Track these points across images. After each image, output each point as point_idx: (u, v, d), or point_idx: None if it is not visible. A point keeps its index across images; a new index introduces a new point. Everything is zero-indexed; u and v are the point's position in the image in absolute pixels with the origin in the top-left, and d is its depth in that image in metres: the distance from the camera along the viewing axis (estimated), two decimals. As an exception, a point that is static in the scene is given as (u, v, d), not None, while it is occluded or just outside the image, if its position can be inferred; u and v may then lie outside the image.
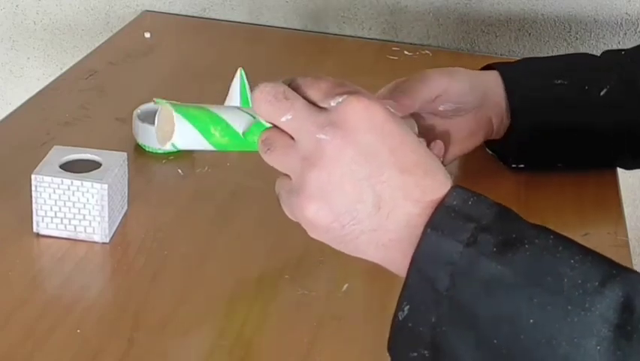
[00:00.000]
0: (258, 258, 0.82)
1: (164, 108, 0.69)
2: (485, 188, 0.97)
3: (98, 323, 0.72)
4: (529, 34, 1.36)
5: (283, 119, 0.61)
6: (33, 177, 0.80)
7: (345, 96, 0.60)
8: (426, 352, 0.59)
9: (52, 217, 0.80)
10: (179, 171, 0.95)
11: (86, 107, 1.06)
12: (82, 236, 0.81)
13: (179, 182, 0.93)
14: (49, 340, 0.70)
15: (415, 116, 0.88)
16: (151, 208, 0.87)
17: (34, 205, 0.81)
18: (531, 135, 0.94)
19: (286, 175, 0.63)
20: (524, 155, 0.96)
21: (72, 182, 0.79)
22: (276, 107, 0.62)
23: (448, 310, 0.57)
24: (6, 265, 0.79)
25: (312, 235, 0.62)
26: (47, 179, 0.80)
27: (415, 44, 1.37)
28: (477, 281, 0.57)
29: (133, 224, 0.84)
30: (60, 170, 0.81)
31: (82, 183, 0.79)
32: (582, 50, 1.34)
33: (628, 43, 1.33)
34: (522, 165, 0.97)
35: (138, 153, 0.96)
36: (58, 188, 0.80)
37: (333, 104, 0.60)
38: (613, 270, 0.56)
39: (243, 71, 0.99)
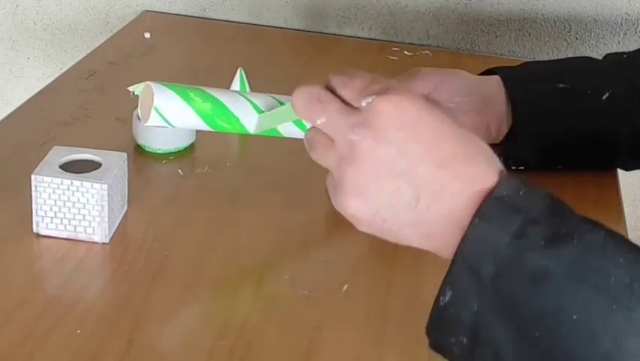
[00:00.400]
0: (258, 258, 0.82)
1: (143, 90, 0.73)
2: (485, 188, 0.97)
3: (98, 323, 0.72)
4: (529, 34, 1.36)
5: (318, 122, 0.64)
6: (33, 177, 0.80)
7: (374, 96, 0.61)
8: (464, 339, 0.59)
9: (52, 217, 0.80)
10: (179, 171, 0.95)
11: (86, 107, 1.06)
12: (82, 236, 0.81)
13: (179, 182, 0.93)
14: (49, 340, 0.70)
15: None
16: (151, 208, 0.87)
17: (34, 205, 0.81)
18: (532, 140, 0.94)
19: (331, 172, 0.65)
20: (525, 158, 0.96)
21: (72, 182, 0.79)
22: (310, 110, 0.64)
23: (491, 299, 0.58)
24: (6, 265, 0.79)
25: (358, 228, 0.64)
26: (47, 179, 0.80)
27: (415, 44, 1.37)
28: (522, 273, 0.57)
29: (133, 224, 0.84)
30: (60, 170, 0.81)
31: (82, 183, 0.79)
32: (582, 50, 1.34)
33: (628, 43, 1.33)
34: (522, 168, 0.97)
35: (138, 153, 0.96)
36: (58, 188, 0.80)
37: (364, 104, 0.62)
38: None
39: (242, 71, 0.99)
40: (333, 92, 0.64)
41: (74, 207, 0.80)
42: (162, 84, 0.73)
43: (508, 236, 0.58)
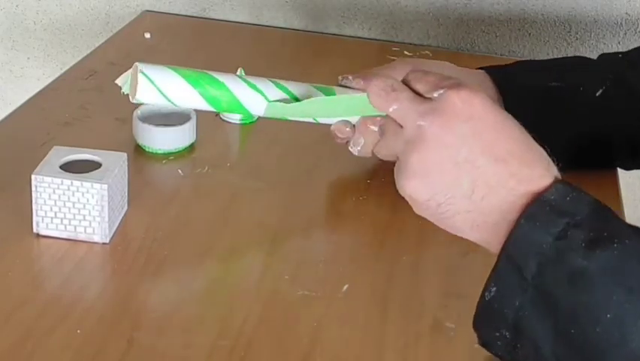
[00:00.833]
0: (258, 258, 0.82)
1: (131, 73, 0.79)
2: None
3: (98, 323, 0.72)
4: (529, 34, 1.36)
5: (391, 109, 0.69)
6: (33, 177, 0.80)
7: (446, 89, 0.66)
8: (507, 333, 0.63)
9: (52, 218, 0.80)
10: (179, 171, 0.95)
11: (86, 107, 1.06)
12: (82, 236, 0.81)
13: (179, 182, 0.93)
14: (49, 340, 0.70)
15: None
16: (151, 208, 0.87)
17: (34, 205, 0.81)
18: None
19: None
20: None
21: (72, 182, 0.79)
22: (384, 98, 0.70)
23: (532, 296, 0.61)
24: (6, 265, 0.79)
25: (415, 210, 0.69)
26: (47, 179, 0.80)
27: (415, 44, 1.37)
28: (562, 273, 0.61)
29: (133, 224, 0.84)
30: (60, 170, 0.81)
31: (82, 184, 0.79)
32: (582, 50, 1.34)
33: (628, 43, 1.33)
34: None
35: (138, 153, 0.96)
36: (58, 188, 0.80)
37: (435, 95, 0.67)
38: None
39: (242, 71, 0.99)
40: (407, 85, 0.70)
41: (74, 208, 0.80)
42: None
43: (551, 237, 0.61)
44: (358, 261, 0.83)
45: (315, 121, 0.89)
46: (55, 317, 0.73)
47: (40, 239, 0.81)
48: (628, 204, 0.99)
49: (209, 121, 1.03)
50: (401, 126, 0.68)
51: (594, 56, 1.03)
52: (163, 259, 0.80)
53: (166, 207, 0.88)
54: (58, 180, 0.79)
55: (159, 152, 0.96)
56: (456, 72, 0.95)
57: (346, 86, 0.88)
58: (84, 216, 0.80)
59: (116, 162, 0.82)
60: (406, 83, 0.70)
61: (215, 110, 0.83)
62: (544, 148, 0.67)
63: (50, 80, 1.17)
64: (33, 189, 0.80)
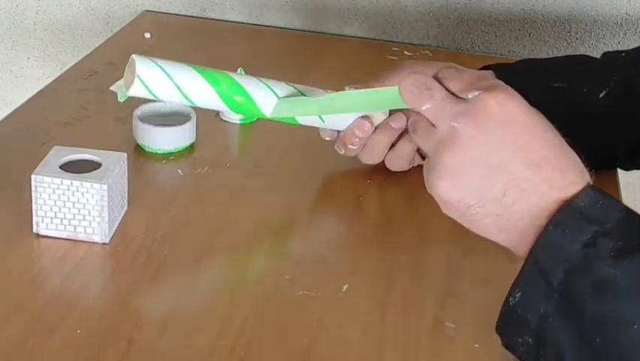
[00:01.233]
0: (258, 258, 0.83)
1: (127, 67, 0.83)
2: (485, 188, 0.97)
3: (98, 323, 0.72)
4: (529, 34, 1.36)
5: (424, 107, 0.68)
6: (33, 177, 0.80)
7: (481, 91, 0.65)
8: (530, 339, 0.63)
9: (52, 218, 0.80)
10: (179, 171, 0.95)
11: (86, 107, 1.06)
12: (82, 236, 0.81)
13: (179, 182, 0.93)
14: (49, 340, 0.70)
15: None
16: (151, 208, 0.87)
17: (34, 206, 0.81)
18: None
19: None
20: None
21: (72, 182, 0.79)
22: (417, 96, 0.68)
23: (557, 303, 0.61)
24: (6, 265, 0.79)
25: (444, 210, 0.68)
26: (47, 179, 0.80)
27: (415, 44, 1.37)
28: (589, 281, 0.60)
29: (133, 224, 0.84)
30: (60, 170, 0.81)
31: (82, 184, 0.79)
32: (582, 50, 1.34)
33: (628, 43, 1.33)
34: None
35: (138, 153, 0.96)
36: (58, 188, 0.80)
37: (470, 96, 0.66)
38: None
39: (243, 71, 0.99)
40: (440, 82, 0.68)
41: (74, 208, 0.80)
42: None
43: (580, 244, 0.61)
44: (358, 261, 0.83)
45: (322, 124, 0.89)
46: (55, 317, 0.73)
47: (40, 239, 0.81)
48: (628, 203, 0.99)
49: (209, 121, 1.03)
50: (433, 125, 0.67)
51: (594, 56, 1.03)
52: (163, 259, 0.80)
53: (166, 207, 0.88)
54: (58, 180, 0.80)
55: (159, 152, 0.96)
56: None
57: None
58: (84, 216, 0.80)
59: (116, 162, 0.82)
60: (438, 79, 0.69)
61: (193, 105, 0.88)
62: (577, 153, 0.66)
63: (50, 80, 1.17)
64: (33, 189, 0.80)
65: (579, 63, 1.01)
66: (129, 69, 0.84)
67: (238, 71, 0.99)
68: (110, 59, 1.19)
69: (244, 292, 0.78)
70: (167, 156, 0.96)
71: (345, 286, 0.78)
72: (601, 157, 0.97)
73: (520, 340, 0.64)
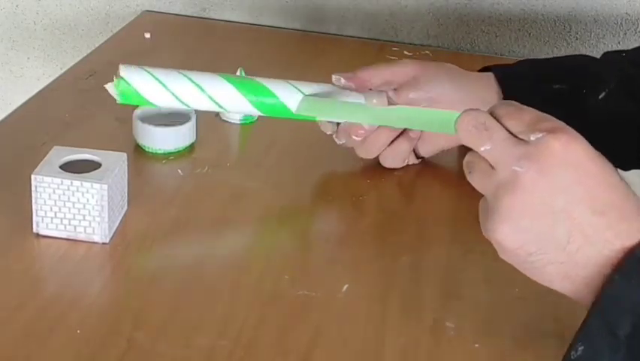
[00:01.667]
0: (258, 258, 0.82)
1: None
2: (485, 188, 0.97)
3: (98, 323, 0.72)
4: (529, 34, 1.36)
5: (482, 148, 0.65)
6: (33, 177, 0.80)
7: (545, 133, 0.63)
8: None
9: (52, 217, 0.80)
10: (179, 171, 0.95)
11: (86, 107, 1.06)
12: (82, 236, 0.81)
13: (179, 182, 0.93)
14: (49, 340, 0.70)
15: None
16: (151, 208, 0.87)
17: (34, 205, 0.81)
18: None
19: (484, 196, 0.66)
20: None
21: (72, 182, 0.79)
22: (476, 136, 0.65)
23: (624, 358, 0.59)
24: (6, 265, 0.79)
25: (501, 256, 0.65)
26: (47, 179, 0.80)
27: (415, 44, 1.37)
28: None
29: (133, 224, 0.84)
30: (60, 170, 0.81)
31: (82, 184, 0.79)
32: (582, 50, 1.34)
33: (628, 43, 1.33)
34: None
35: (138, 153, 0.96)
36: (58, 188, 0.80)
37: (532, 138, 0.63)
38: None
39: (242, 71, 0.99)
40: (497, 120, 0.65)
41: (74, 207, 0.80)
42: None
43: None
44: (358, 261, 0.83)
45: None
46: (55, 316, 0.73)
47: (40, 239, 0.81)
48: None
49: (209, 121, 1.03)
50: (492, 167, 0.64)
51: (594, 56, 1.03)
52: (163, 259, 0.80)
53: (166, 207, 0.88)
54: (58, 180, 0.79)
55: (159, 152, 0.96)
56: (460, 76, 0.95)
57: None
58: (84, 216, 0.80)
59: (116, 162, 0.82)
60: (496, 117, 0.65)
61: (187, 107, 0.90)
62: None
63: (50, 80, 1.17)
64: (33, 189, 0.80)
65: (579, 63, 1.01)
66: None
67: (238, 71, 0.99)
68: (110, 59, 1.19)
69: (244, 292, 0.78)
70: (167, 156, 0.96)
71: (345, 286, 0.78)
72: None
73: None
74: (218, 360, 0.70)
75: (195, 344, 0.71)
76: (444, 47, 1.38)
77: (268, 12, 1.41)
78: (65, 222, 0.80)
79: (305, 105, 0.90)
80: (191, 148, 0.98)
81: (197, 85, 0.89)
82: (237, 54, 1.26)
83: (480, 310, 0.76)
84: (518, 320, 0.76)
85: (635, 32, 1.33)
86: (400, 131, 0.92)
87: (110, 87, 0.88)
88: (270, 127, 1.03)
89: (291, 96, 0.90)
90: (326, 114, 0.91)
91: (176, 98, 0.89)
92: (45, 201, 0.80)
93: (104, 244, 0.81)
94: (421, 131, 0.93)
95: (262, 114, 0.92)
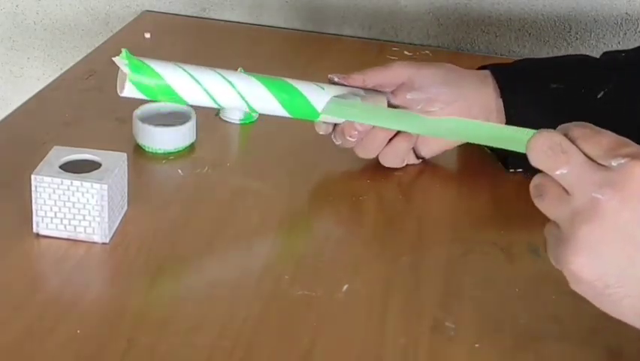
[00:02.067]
0: (258, 258, 0.82)
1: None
2: (485, 188, 0.98)
3: (98, 323, 0.72)
4: (529, 34, 1.36)
5: (558, 172, 0.61)
6: (33, 177, 0.80)
7: (628, 159, 0.60)
8: None
9: (52, 218, 0.80)
10: (179, 171, 0.95)
11: (86, 107, 1.06)
12: (82, 236, 0.81)
13: (179, 182, 0.93)
14: (49, 340, 0.70)
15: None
16: (151, 208, 0.87)
17: (34, 206, 0.81)
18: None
19: (554, 222, 0.62)
20: (521, 159, 0.96)
21: (72, 182, 0.79)
22: (552, 159, 0.62)
23: None
24: (6, 265, 0.79)
25: (573, 287, 0.62)
26: (47, 179, 0.80)
27: (415, 44, 1.37)
28: None
29: (133, 224, 0.84)
30: (60, 170, 0.81)
31: (82, 184, 0.79)
32: (582, 50, 1.34)
33: (628, 43, 1.33)
34: (520, 170, 0.97)
35: (138, 153, 0.96)
36: (58, 188, 0.80)
37: (614, 164, 0.60)
38: None
39: (242, 71, 0.99)
40: (573, 143, 0.62)
41: (74, 207, 0.80)
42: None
43: None
44: (358, 261, 0.83)
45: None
46: (55, 316, 0.73)
47: (40, 239, 0.81)
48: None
49: (209, 121, 1.03)
50: (566, 192, 0.61)
51: (594, 56, 1.03)
52: (163, 259, 0.81)
53: (166, 207, 0.88)
54: (58, 180, 0.79)
55: (159, 152, 0.96)
56: (456, 75, 0.95)
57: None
58: (84, 216, 0.80)
59: (116, 162, 0.82)
60: (570, 139, 0.62)
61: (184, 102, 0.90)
62: None
63: (50, 80, 1.17)
64: (33, 189, 0.80)
65: (578, 63, 1.01)
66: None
67: (238, 71, 0.99)
68: (110, 59, 1.19)
69: (244, 292, 0.78)
70: (167, 156, 0.96)
71: (345, 286, 0.78)
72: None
73: None
74: (218, 360, 0.70)
75: (195, 344, 0.71)
76: (444, 47, 1.38)
77: (268, 12, 1.41)
78: (65, 222, 0.80)
79: (337, 108, 0.90)
80: (191, 148, 0.98)
81: (227, 80, 0.88)
82: (237, 54, 1.26)
83: (480, 310, 0.76)
84: (518, 320, 0.76)
85: (635, 32, 1.33)
86: (395, 131, 0.92)
87: (118, 60, 0.87)
88: (270, 127, 1.03)
89: (319, 98, 0.90)
90: (365, 119, 0.90)
91: (203, 88, 0.87)
92: (45, 201, 0.80)
93: (104, 244, 0.81)
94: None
95: (290, 115, 0.91)
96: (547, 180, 0.62)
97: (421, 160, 0.97)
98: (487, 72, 0.96)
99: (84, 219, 0.80)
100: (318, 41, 1.36)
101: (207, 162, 0.96)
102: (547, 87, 0.95)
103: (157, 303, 0.76)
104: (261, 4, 1.40)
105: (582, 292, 0.62)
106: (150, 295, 0.77)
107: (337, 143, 0.94)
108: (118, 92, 0.86)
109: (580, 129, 0.62)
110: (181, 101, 0.87)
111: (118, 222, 0.84)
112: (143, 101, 0.99)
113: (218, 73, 0.88)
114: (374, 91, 0.94)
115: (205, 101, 0.88)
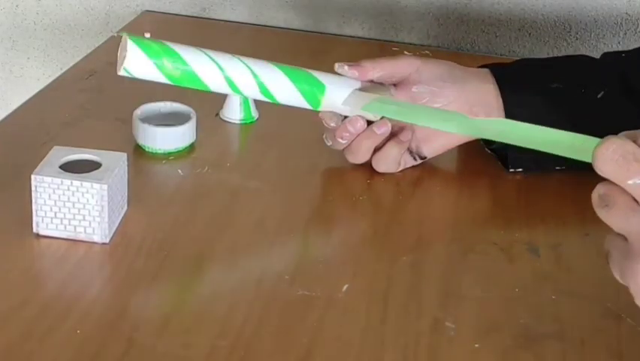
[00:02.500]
0: (258, 258, 0.82)
1: (123, 40, 0.86)
2: (485, 188, 0.98)
3: (98, 323, 0.72)
4: (529, 34, 1.36)
5: (630, 182, 0.58)
6: (33, 177, 0.80)
7: None
8: None
9: (52, 218, 0.80)
10: (179, 171, 0.95)
11: (86, 107, 1.06)
12: (82, 236, 0.81)
13: (179, 182, 0.93)
14: (49, 340, 0.70)
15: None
16: (151, 208, 0.87)
17: (34, 206, 0.81)
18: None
19: (620, 235, 0.60)
20: (521, 159, 0.96)
21: (72, 182, 0.79)
22: (624, 168, 0.58)
23: None
24: (6, 265, 0.79)
25: (639, 302, 0.60)
26: (47, 179, 0.80)
27: (415, 44, 1.37)
28: None
29: (133, 224, 0.84)
30: (60, 170, 0.81)
31: (82, 184, 0.79)
32: (582, 50, 1.34)
33: (628, 43, 1.33)
34: (520, 170, 0.97)
35: (138, 153, 0.96)
36: (58, 188, 0.80)
37: None
38: None
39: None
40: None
41: (74, 207, 0.80)
42: (140, 40, 0.87)
43: None
44: (358, 261, 0.83)
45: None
46: (55, 316, 0.73)
47: (40, 239, 0.81)
48: (628, 204, 0.99)
49: (209, 121, 1.03)
50: (637, 203, 0.58)
51: (594, 56, 1.03)
52: (163, 259, 0.80)
53: (166, 207, 0.88)
54: (58, 180, 0.80)
55: (159, 152, 0.96)
56: (459, 71, 0.95)
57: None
58: (84, 216, 0.80)
59: (116, 162, 0.82)
60: (636, 141, 0.59)
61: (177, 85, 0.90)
62: None
63: (50, 80, 1.17)
64: (33, 189, 0.80)
65: (577, 63, 1.01)
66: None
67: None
68: (110, 59, 1.19)
69: (244, 292, 0.78)
70: (167, 156, 0.96)
71: (345, 286, 0.78)
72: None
73: None
74: (218, 360, 0.70)
75: (195, 344, 0.71)
76: (444, 47, 1.38)
77: (268, 12, 1.40)
78: (65, 222, 0.80)
79: (379, 106, 0.89)
80: (191, 148, 0.98)
81: (248, 67, 0.92)
82: (237, 54, 1.26)
83: (480, 310, 0.76)
84: (518, 320, 0.76)
85: (635, 32, 1.33)
86: (382, 138, 0.92)
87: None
88: (270, 127, 1.03)
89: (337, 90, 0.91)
90: (404, 117, 0.89)
91: (220, 69, 0.91)
92: (45, 201, 0.80)
93: (104, 244, 0.81)
94: (413, 132, 0.94)
95: (312, 108, 0.92)
96: (616, 190, 0.59)
97: (421, 161, 0.97)
98: (486, 70, 0.96)
99: (84, 219, 0.80)
100: (318, 41, 1.36)
101: (207, 162, 0.96)
102: (547, 87, 0.95)
103: (157, 303, 0.76)
104: (261, 4, 1.40)
105: None
106: (150, 295, 0.77)
107: (328, 144, 0.94)
108: (119, 69, 0.88)
109: None
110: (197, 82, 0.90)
111: (118, 222, 0.84)
112: (143, 101, 0.99)
113: (240, 59, 0.92)
114: (375, 83, 0.93)
115: (222, 86, 0.91)
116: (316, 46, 1.33)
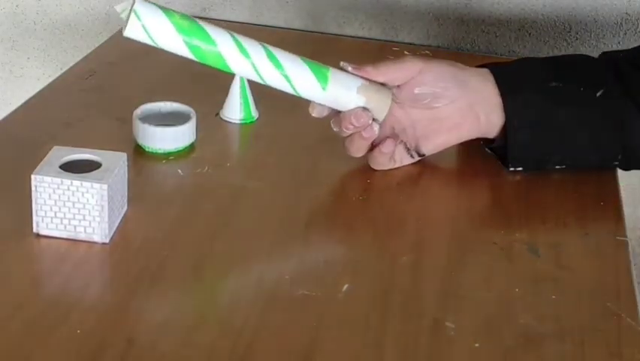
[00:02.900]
0: (258, 258, 0.82)
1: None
2: (485, 188, 0.98)
3: (98, 323, 0.72)
4: (529, 34, 1.36)
5: None
6: (33, 177, 0.80)
7: None
8: None
9: (52, 217, 0.80)
10: (179, 171, 0.95)
11: (86, 107, 1.06)
12: (82, 236, 0.81)
13: (179, 182, 0.93)
14: (49, 340, 0.70)
15: (397, 106, 0.93)
16: (151, 208, 0.87)
17: (34, 205, 0.81)
18: (526, 138, 0.94)
19: None
20: (520, 158, 0.96)
21: (72, 182, 0.79)
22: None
23: None
24: (6, 265, 0.79)
25: None
26: (47, 179, 0.80)
27: (415, 44, 1.37)
28: None
29: (133, 224, 0.84)
30: (60, 170, 0.81)
31: (82, 184, 0.79)
32: (582, 50, 1.34)
33: (628, 43, 1.33)
34: (520, 168, 0.97)
35: (138, 153, 0.96)
36: (58, 188, 0.80)
37: None
38: None
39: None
40: None
41: (74, 207, 0.80)
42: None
43: None
44: (358, 261, 0.83)
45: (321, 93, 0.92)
46: (55, 316, 0.73)
47: (40, 239, 0.81)
48: (628, 203, 0.99)
49: (209, 121, 1.03)
50: None
51: (594, 56, 1.03)
52: (163, 258, 0.80)
53: (166, 207, 0.88)
54: (58, 180, 0.80)
55: (159, 152, 0.96)
56: (460, 72, 0.95)
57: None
58: (84, 216, 0.80)
59: (116, 162, 0.82)
60: None
61: (197, 60, 0.89)
62: None
63: (50, 80, 1.17)
64: (33, 189, 0.80)
65: (576, 62, 1.01)
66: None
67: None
68: (110, 59, 1.19)
69: (244, 292, 0.78)
70: (167, 156, 0.96)
71: (345, 286, 0.78)
72: (599, 157, 0.97)
73: None
74: (218, 360, 0.70)
75: (195, 343, 0.71)
76: (444, 47, 1.38)
77: (268, 12, 1.41)
78: (65, 222, 0.80)
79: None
80: (191, 148, 0.98)
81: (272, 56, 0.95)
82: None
83: (480, 310, 0.76)
84: (518, 320, 0.76)
85: (635, 32, 1.33)
86: (371, 140, 0.93)
87: (120, 7, 0.87)
88: (270, 127, 1.03)
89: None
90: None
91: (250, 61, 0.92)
92: (45, 201, 0.80)
93: (104, 244, 0.81)
94: (409, 131, 0.94)
95: (327, 104, 0.92)
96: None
97: (419, 158, 0.97)
98: (486, 70, 0.96)
99: (84, 219, 0.80)
100: (318, 41, 1.36)
101: (207, 162, 0.96)
102: (547, 86, 0.95)
103: (157, 303, 0.76)
104: (261, 4, 1.40)
105: None
106: (150, 295, 0.77)
107: (335, 129, 0.94)
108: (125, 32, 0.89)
109: None
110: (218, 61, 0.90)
111: (118, 222, 0.84)
112: (143, 101, 0.99)
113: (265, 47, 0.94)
114: (379, 83, 0.93)
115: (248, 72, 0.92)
116: (316, 46, 1.33)
